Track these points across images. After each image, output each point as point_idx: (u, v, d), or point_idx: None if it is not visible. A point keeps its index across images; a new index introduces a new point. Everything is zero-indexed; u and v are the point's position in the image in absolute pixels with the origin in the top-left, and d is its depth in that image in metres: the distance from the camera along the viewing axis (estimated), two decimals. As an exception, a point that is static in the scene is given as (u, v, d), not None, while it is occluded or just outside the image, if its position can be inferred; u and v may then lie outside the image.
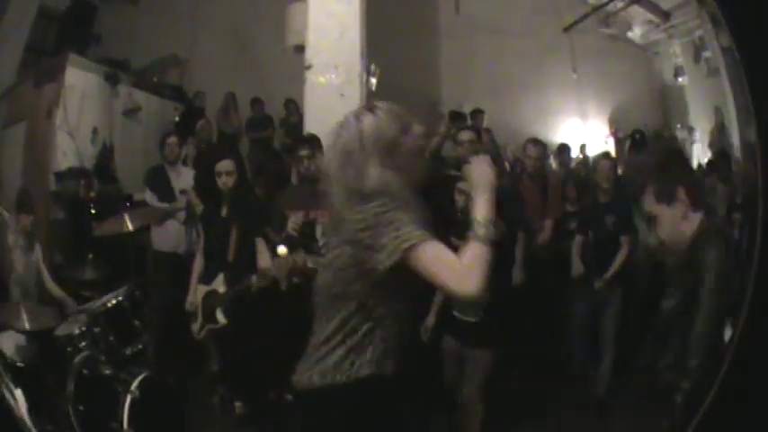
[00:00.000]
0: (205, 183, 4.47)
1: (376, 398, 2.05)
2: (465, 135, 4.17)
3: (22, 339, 3.42)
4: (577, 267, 4.52)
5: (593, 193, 4.73)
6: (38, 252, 4.05)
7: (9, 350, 3.33)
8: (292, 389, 2.13)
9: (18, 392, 2.76)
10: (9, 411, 2.40)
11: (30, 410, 2.68)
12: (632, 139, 5.68)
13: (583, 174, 5.65)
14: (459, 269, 1.84)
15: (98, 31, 5.27)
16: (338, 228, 2.10)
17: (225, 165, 4.01)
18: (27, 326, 3.44)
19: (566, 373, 4.67)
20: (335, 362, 2.02)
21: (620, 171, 5.49)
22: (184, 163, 5.05)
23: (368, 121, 2.10)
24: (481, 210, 2.01)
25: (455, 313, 3.64)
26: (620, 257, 4.37)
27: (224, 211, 4.10)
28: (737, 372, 2.16)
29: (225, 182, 3.99)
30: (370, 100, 4.95)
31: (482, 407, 3.62)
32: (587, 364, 4.60)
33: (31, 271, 3.98)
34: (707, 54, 5.34)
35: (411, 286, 2.03)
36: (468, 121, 5.59)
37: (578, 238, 4.58)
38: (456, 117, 5.04)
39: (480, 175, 2.11)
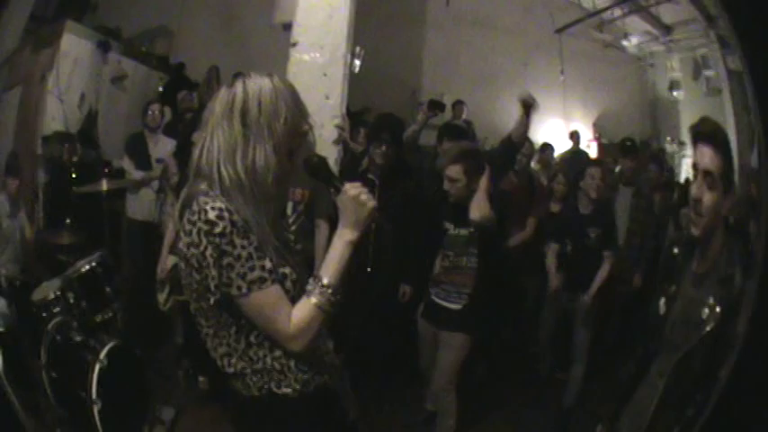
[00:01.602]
0: (183, 153, 4.61)
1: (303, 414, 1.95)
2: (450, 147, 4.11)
3: (2, 304, 3.61)
4: (553, 278, 4.56)
5: (572, 201, 4.74)
6: (22, 217, 4.36)
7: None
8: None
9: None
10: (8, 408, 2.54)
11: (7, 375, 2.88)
12: (623, 146, 5.76)
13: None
14: (287, 330, 1.79)
15: (95, -2, 5.56)
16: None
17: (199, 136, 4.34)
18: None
19: (533, 374, 4.97)
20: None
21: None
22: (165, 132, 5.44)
23: (262, 83, 1.78)
24: (330, 268, 1.83)
25: (435, 299, 3.88)
26: (602, 273, 4.41)
27: (198, 183, 4.43)
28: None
29: None
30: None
31: (454, 394, 3.83)
32: (555, 369, 4.87)
33: (14, 235, 4.30)
34: (708, 73, 5.55)
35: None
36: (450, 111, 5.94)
37: (553, 246, 4.64)
38: (435, 106, 5.28)
39: (352, 212, 1.82)
